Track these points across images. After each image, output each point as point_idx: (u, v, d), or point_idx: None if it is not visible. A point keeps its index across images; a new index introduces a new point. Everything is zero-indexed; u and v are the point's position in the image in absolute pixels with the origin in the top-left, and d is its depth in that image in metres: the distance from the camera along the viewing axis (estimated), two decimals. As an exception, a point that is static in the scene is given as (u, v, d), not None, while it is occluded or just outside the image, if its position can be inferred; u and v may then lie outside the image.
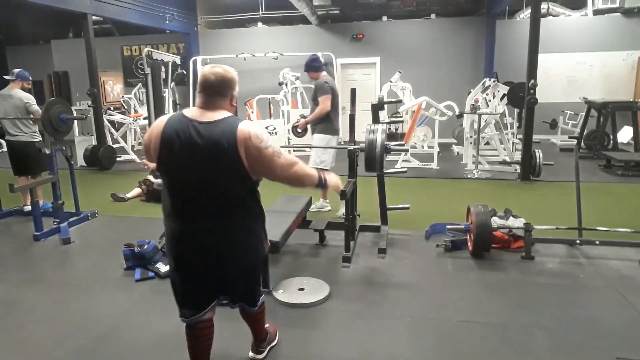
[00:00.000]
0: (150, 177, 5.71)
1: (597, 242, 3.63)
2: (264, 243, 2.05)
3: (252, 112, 8.84)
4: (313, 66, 4.59)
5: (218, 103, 1.86)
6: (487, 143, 8.18)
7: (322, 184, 2.06)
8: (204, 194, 1.83)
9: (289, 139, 8.41)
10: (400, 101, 7.38)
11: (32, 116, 4.85)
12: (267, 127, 8.08)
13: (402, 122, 8.22)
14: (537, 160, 6.28)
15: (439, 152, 7.56)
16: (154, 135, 1.84)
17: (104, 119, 8.36)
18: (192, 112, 1.85)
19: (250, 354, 2.36)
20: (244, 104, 8.82)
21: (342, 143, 7.15)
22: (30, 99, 4.89)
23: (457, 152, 8.59)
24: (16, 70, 4.98)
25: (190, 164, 1.79)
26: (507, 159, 7.01)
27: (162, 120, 1.86)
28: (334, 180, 2.13)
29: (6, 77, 4.98)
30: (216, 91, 1.85)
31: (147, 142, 1.90)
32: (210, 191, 1.83)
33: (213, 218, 1.86)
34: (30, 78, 5.11)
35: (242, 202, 1.89)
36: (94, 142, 8.27)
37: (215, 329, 2.12)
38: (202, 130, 1.78)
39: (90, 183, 6.84)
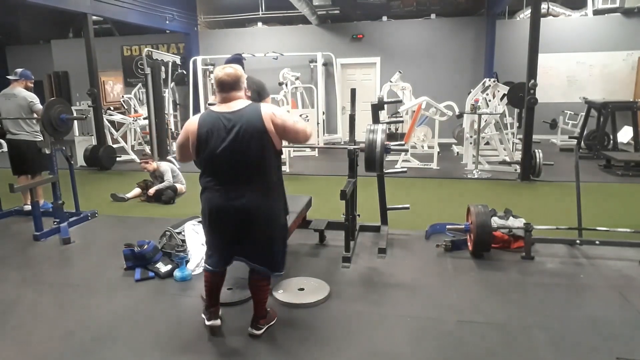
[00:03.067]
0: (151, 190, 5.65)
1: (597, 242, 3.63)
2: (283, 211, 2.51)
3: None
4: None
5: (236, 95, 2.34)
6: (487, 143, 8.18)
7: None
8: (240, 166, 2.28)
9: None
10: (400, 101, 7.38)
11: (35, 115, 4.86)
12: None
13: (402, 122, 8.21)
14: (537, 160, 6.28)
15: (439, 152, 7.56)
16: (190, 132, 2.32)
17: (104, 119, 8.36)
18: (218, 108, 2.33)
19: (249, 329, 2.56)
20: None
21: (342, 143, 7.14)
22: (34, 98, 4.91)
23: (457, 152, 8.59)
24: (19, 70, 4.99)
25: (230, 146, 2.24)
26: (507, 159, 7.01)
27: (195, 119, 2.35)
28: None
29: (9, 76, 4.99)
30: (232, 87, 2.33)
31: (183, 140, 2.38)
32: (245, 163, 2.28)
33: (244, 186, 2.31)
34: (33, 77, 5.11)
35: (269, 171, 2.35)
36: (94, 142, 8.26)
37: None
38: (232, 118, 2.27)
39: (90, 183, 6.84)
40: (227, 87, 2.33)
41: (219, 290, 2.59)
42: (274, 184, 2.41)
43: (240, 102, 2.33)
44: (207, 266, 2.50)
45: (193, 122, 2.34)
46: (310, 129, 2.49)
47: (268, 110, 2.30)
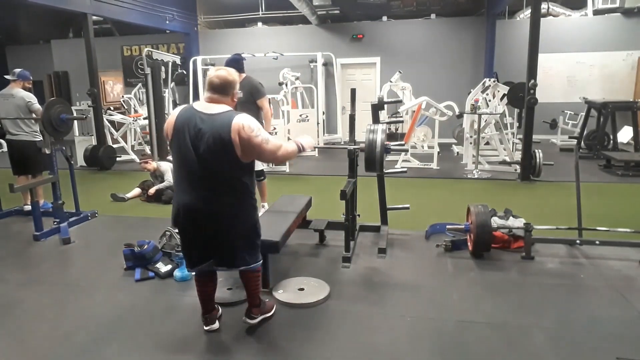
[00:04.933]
0: (151, 190, 5.65)
1: (597, 242, 3.63)
2: (252, 211, 2.46)
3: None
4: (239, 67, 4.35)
5: (220, 99, 2.35)
6: (487, 143, 8.18)
7: (302, 151, 2.58)
8: (205, 171, 2.28)
9: (288, 138, 8.41)
10: (400, 101, 7.38)
11: (33, 115, 4.86)
12: (267, 127, 8.07)
13: (402, 122, 8.21)
14: (537, 160, 6.28)
15: (439, 152, 7.56)
16: (170, 123, 2.36)
17: (104, 119, 8.36)
18: (200, 105, 2.35)
19: (243, 318, 2.62)
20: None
21: (342, 143, 7.14)
22: (32, 98, 4.90)
23: (457, 152, 8.59)
24: (17, 70, 4.98)
25: (194, 147, 2.25)
26: (507, 159, 7.00)
27: (176, 111, 2.39)
28: (308, 142, 2.65)
29: (7, 76, 4.99)
30: (219, 90, 2.35)
31: (165, 128, 2.41)
32: (209, 169, 2.28)
33: (211, 190, 2.31)
34: (32, 78, 5.11)
35: (233, 179, 2.33)
36: (94, 142, 8.26)
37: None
38: (206, 120, 2.26)
39: (90, 183, 6.84)
40: (214, 89, 2.34)
41: (212, 297, 2.62)
42: (241, 191, 2.36)
43: (220, 107, 2.31)
44: (190, 269, 2.51)
45: (175, 112, 2.38)
46: (283, 152, 2.44)
47: (239, 122, 2.24)
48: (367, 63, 10.65)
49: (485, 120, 7.21)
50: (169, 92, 9.30)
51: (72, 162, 4.82)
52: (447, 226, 4.08)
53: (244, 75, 4.36)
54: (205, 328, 2.60)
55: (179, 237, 3.65)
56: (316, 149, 8.78)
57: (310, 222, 4.00)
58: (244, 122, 2.26)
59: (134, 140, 9.69)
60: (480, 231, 3.49)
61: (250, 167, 2.43)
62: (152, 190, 5.59)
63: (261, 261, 2.59)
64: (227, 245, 2.41)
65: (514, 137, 7.99)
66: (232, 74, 2.39)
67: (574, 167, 3.92)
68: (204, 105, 2.33)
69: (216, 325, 2.61)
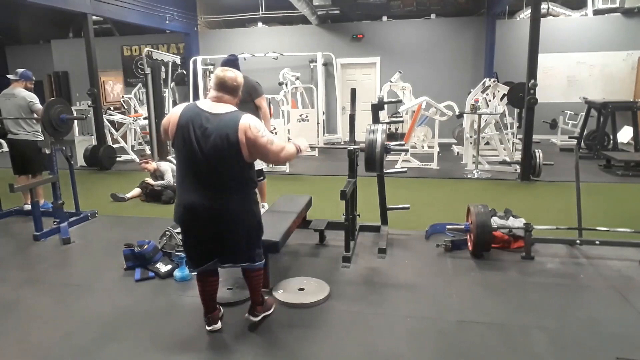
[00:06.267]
0: (150, 180, 5.70)
1: (597, 242, 3.63)
2: (256, 208, 2.50)
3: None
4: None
5: (227, 99, 2.38)
6: (487, 143, 8.18)
7: (299, 152, 2.64)
8: (210, 169, 2.30)
9: (289, 138, 8.40)
10: (400, 101, 7.38)
11: (35, 115, 4.86)
12: (267, 127, 8.08)
13: (402, 122, 8.22)
14: (537, 160, 6.28)
15: (439, 152, 7.56)
16: (172, 120, 2.36)
17: (104, 119, 8.36)
18: (205, 103, 2.36)
19: (247, 315, 2.66)
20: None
21: (342, 143, 7.14)
22: (33, 97, 4.91)
23: (457, 152, 8.59)
24: (20, 70, 4.99)
25: (200, 146, 2.27)
26: (507, 159, 7.00)
27: (179, 108, 2.38)
28: (304, 144, 2.72)
29: (9, 76, 5.00)
30: (229, 91, 2.38)
31: (165, 124, 2.41)
32: (215, 168, 2.30)
33: (217, 188, 2.33)
34: (34, 78, 5.12)
35: (237, 177, 2.36)
36: (94, 142, 8.26)
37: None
38: (212, 119, 2.29)
39: (90, 183, 6.84)
40: (224, 89, 2.37)
41: (214, 297, 2.63)
42: (244, 188, 2.40)
43: (226, 107, 2.35)
44: (191, 269, 2.52)
45: (177, 109, 2.38)
46: (286, 153, 2.50)
47: (246, 122, 2.29)
48: (367, 63, 10.65)
49: (485, 120, 7.21)
50: (169, 92, 9.30)
51: (72, 162, 4.83)
52: (447, 226, 4.08)
53: (242, 81, 4.38)
54: (208, 328, 2.60)
55: (179, 237, 3.69)
56: (316, 149, 8.79)
57: (310, 222, 4.00)
58: (250, 122, 2.31)
59: (134, 140, 9.70)
60: (480, 231, 3.48)
61: (253, 164, 2.47)
62: (150, 181, 5.58)
63: (263, 260, 2.62)
64: (233, 243, 2.42)
65: (514, 137, 7.99)
66: (239, 76, 2.44)
67: (574, 167, 3.92)
68: (210, 105, 2.35)
69: (219, 325, 2.61)
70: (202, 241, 2.43)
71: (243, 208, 2.40)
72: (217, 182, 2.33)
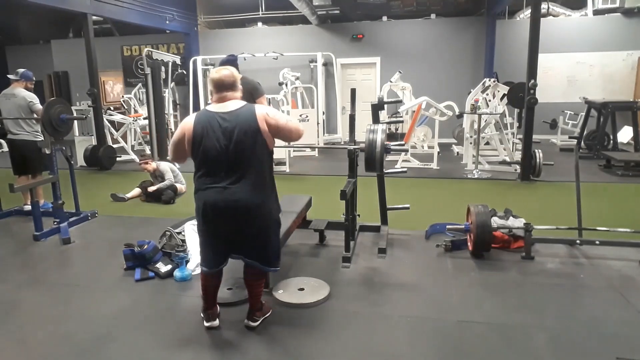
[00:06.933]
0: (152, 188, 5.65)
1: (597, 242, 3.63)
2: (276, 207, 2.58)
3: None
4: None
5: (232, 96, 2.43)
6: (487, 143, 8.18)
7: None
8: (235, 164, 2.34)
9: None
10: (400, 101, 7.38)
11: (35, 115, 4.86)
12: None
13: (402, 122, 8.22)
14: (537, 160, 6.28)
15: (439, 152, 7.56)
16: (186, 129, 2.40)
17: (104, 119, 8.36)
18: (214, 107, 2.42)
19: (246, 321, 2.65)
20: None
21: (342, 143, 7.13)
22: (33, 98, 4.91)
23: (457, 152, 8.59)
24: (20, 70, 4.99)
25: (223, 145, 2.32)
26: (507, 159, 7.00)
27: (191, 117, 2.45)
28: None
29: (10, 76, 5.00)
30: (228, 88, 2.42)
31: (179, 137, 2.45)
32: (240, 162, 2.34)
33: (238, 183, 2.36)
34: (34, 78, 5.12)
35: (262, 169, 2.42)
36: (94, 142, 8.26)
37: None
38: (228, 118, 2.35)
39: (90, 183, 6.84)
40: (223, 88, 2.41)
41: (216, 292, 2.64)
42: (267, 181, 2.47)
43: (235, 103, 2.42)
44: (204, 267, 2.54)
45: (189, 120, 2.43)
46: (302, 128, 2.58)
47: (262, 111, 2.39)
48: (367, 63, 10.65)
49: (485, 120, 7.21)
50: (169, 92, 9.30)
51: (72, 162, 4.82)
52: (447, 226, 4.08)
53: (240, 75, 4.39)
54: (206, 324, 2.61)
55: (179, 237, 3.69)
56: (316, 149, 8.79)
57: (310, 222, 4.00)
58: (266, 110, 2.43)
59: (134, 140, 9.70)
60: (480, 231, 3.48)
61: (272, 157, 2.56)
62: (152, 188, 5.59)
63: (278, 269, 2.65)
64: (251, 238, 2.46)
65: (514, 137, 7.99)
66: (233, 71, 2.49)
67: (574, 167, 3.92)
68: (219, 106, 2.41)
69: (217, 322, 2.63)
70: (221, 239, 2.46)
71: (267, 203, 2.46)
72: (242, 177, 2.35)
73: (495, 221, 3.81)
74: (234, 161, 2.34)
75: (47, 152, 4.51)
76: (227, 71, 2.45)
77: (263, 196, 2.44)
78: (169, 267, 3.40)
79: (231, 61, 4.23)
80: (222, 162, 2.34)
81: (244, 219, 2.40)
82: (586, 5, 9.94)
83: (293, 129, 2.49)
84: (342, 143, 9.66)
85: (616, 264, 3.46)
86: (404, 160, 7.38)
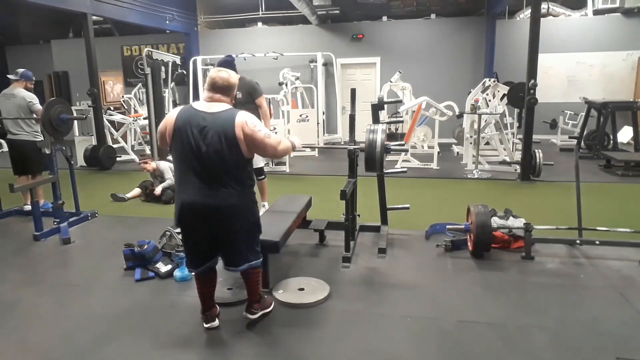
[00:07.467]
0: (157, 190, 5.64)
1: (597, 242, 3.63)
2: (254, 206, 2.55)
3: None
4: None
5: (221, 99, 2.42)
6: (487, 143, 8.18)
7: (294, 148, 2.74)
8: (209, 167, 2.33)
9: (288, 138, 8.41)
10: (400, 101, 7.38)
11: (34, 115, 4.86)
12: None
13: (402, 122, 8.22)
14: (537, 160, 6.28)
15: (439, 152, 7.56)
16: (168, 123, 2.40)
17: (104, 119, 8.36)
18: (200, 105, 2.41)
19: (244, 313, 2.67)
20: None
21: (342, 143, 7.13)
22: (33, 98, 4.91)
23: (457, 152, 8.59)
24: (20, 70, 4.99)
25: (198, 145, 2.31)
26: (507, 159, 7.00)
27: (174, 111, 2.43)
28: (299, 142, 2.86)
29: (10, 76, 5.00)
30: (222, 91, 2.42)
31: (162, 129, 2.44)
32: (213, 165, 2.33)
33: (214, 185, 2.35)
34: (34, 78, 5.11)
35: (236, 174, 2.39)
36: (94, 142, 8.27)
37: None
38: (208, 118, 2.33)
39: (90, 183, 6.84)
40: (214, 88, 2.41)
41: (212, 294, 2.66)
42: (242, 185, 2.43)
43: (221, 106, 2.39)
44: (190, 269, 2.56)
45: (172, 113, 2.43)
46: (283, 147, 2.54)
47: (242, 119, 2.35)
48: (367, 63, 10.65)
49: (485, 120, 7.21)
50: (169, 92, 9.30)
51: (72, 162, 4.82)
52: (447, 226, 4.08)
53: (238, 76, 4.37)
54: (206, 326, 2.61)
55: (179, 237, 3.69)
56: (316, 149, 8.79)
57: (310, 222, 4.00)
58: (246, 118, 2.36)
59: (134, 140, 9.70)
60: (480, 231, 3.48)
61: (251, 163, 2.51)
62: (158, 191, 5.57)
63: (262, 258, 2.64)
64: (231, 241, 2.47)
65: (514, 137, 7.99)
66: (233, 76, 2.48)
67: (574, 167, 3.92)
68: (205, 105, 2.40)
69: (216, 322, 2.63)
70: (201, 241, 2.47)
71: (242, 205, 2.43)
72: (216, 180, 2.35)
73: (495, 221, 3.81)
74: (207, 162, 2.32)
75: (47, 152, 4.51)
76: (225, 74, 2.44)
77: (239, 199, 2.41)
78: (169, 267, 3.40)
79: (228, 62, 4.24)
80: (194, 160, 2.33)
81: (221, 222, 2.40)
82: (586, 5, 9.94)
83: (268, 145, 2.42)
84: (342, 143, 9.66)
85: (616, 264, 3.46)
86: (404, 160, 7.38)
